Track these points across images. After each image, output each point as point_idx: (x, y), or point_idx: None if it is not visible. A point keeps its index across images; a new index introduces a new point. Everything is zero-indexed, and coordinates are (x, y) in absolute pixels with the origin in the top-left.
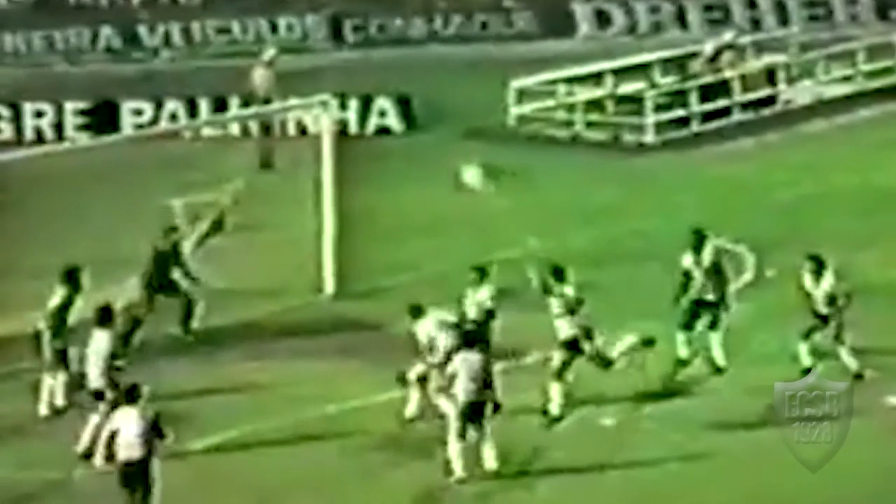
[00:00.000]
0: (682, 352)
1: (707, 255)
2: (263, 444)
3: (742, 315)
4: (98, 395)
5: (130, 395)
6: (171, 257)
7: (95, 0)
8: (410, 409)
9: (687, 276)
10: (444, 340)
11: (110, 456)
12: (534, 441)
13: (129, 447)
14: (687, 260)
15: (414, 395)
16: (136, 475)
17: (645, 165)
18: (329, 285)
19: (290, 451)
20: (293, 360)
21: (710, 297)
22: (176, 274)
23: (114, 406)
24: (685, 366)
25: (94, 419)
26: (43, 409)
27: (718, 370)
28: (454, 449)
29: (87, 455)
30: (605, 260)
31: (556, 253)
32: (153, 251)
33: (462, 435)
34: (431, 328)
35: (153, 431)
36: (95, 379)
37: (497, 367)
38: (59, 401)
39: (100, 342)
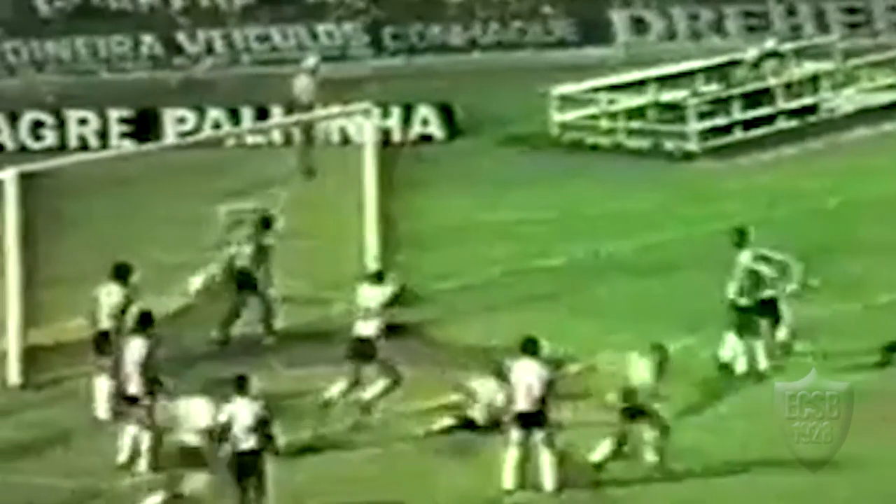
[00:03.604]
0: (726, 352)
1: (744, 259)
2: (305, 451)
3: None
4: (133, 401)
5: (241, 385)
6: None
7: (135, 7)
8: (330, 393)
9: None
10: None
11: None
12: (577, 454)
13: (242, 437)
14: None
15: (341, 383)
16: (248, 467)
17: (688, 173)
18: None
19: (331, 458)
20: (335, 367)
21: (745, 302)
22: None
23: (148, 411)
24: (727, 370)
25: (131, 429)
26: (102, 413)
27: (760, 376)
28: (509, 458)
29: (129, 464)
30: (649, 269)
31: (597, 262)
32: (254, 248)
33: (521, 444)
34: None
35: (264, 424)
36: (134, 385)
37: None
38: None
39: (138, 349)
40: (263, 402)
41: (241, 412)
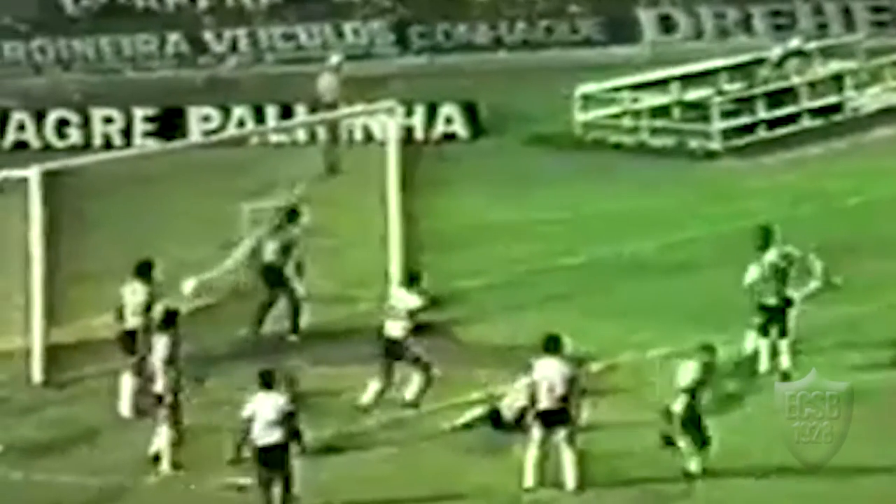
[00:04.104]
0: (749, 344)
1: (769, 257)
2: (330, 450)
3: (809, 321)
4: (158, 399)
5: (267, 380)
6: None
7: (161, 5)
8: (367, 397)
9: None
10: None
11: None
12: (605, 452)
13: (267, 432)
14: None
15: (374, 385)
16: (274, 462)
17: (711, 172)
18: None
19: (356, 457)
20: (360, 365)
21: (771, 301)
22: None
23: (173, 409)
24: (751, 369)
25: (163, 427)
26: (125, 411)
27: (785, 376)
28: (530, 457)
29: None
30: (672, 268)
31: (620, 261)
32: (280, 242)
33: (542, 442)
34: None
35: (291, 419)
36: (159, 383)
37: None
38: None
39: (163, 347)
40: (289, 396)
41: (265, 407)
